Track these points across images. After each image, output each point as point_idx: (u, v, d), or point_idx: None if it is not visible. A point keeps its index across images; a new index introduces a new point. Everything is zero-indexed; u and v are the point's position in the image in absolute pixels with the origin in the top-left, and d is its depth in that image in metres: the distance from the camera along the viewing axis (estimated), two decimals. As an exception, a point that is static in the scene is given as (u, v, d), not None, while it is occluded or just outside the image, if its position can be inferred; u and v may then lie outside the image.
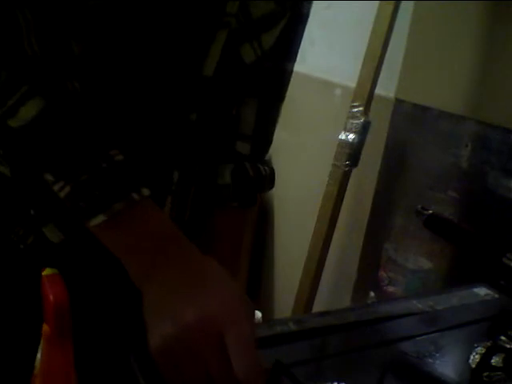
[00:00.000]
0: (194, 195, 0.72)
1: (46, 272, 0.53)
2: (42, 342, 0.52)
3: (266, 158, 0.79)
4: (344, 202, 1.39)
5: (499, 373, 0.66)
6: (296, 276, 1.46)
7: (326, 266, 1.43)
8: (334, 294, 1.54)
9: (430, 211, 1.18)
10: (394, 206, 1.34)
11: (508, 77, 1.09)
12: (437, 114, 1.23)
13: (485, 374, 0.66)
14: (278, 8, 0.65)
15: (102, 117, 0.55)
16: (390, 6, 1.28)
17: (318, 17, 1.28)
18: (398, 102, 1.32)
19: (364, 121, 1.32)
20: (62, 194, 0.51)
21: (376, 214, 1.40)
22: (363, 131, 1.33)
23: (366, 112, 1.33)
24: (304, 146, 1.65)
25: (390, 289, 1.33)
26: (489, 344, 0.71)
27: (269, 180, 0.79)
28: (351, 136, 1.33)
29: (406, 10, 1.28)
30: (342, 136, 1.35)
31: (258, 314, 1.57)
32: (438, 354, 0.68)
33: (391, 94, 1.34)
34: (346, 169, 1.35)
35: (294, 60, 0.76)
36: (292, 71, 0.77)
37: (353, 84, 1.36)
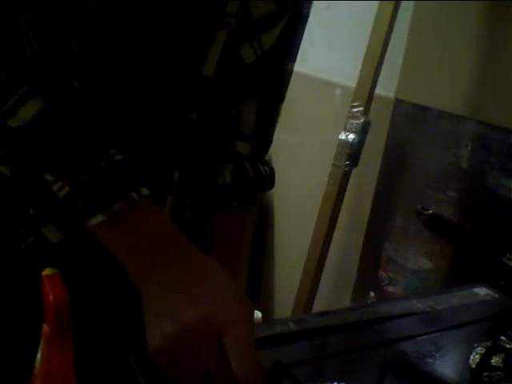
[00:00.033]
0: (194, 195, 0.72)
1: (46, 272, 0.53)
2: (42, 342, 0.52)
3: (266, 157, 0.79)
4: (344, 202, 1.39)
5: (499, 373, 0.66)
6: (296, 276, 1.46)
7: (326, 266, 1.43)
8: (333, 294, 1.54)
9: (430, 211, 1.18)
10: (393, 206, 1.34)
11: (508, 77, 1.09)
12: (437, 114, 1.23)
13: (485, 373, 0.66)
14: (277, 8, 0.65)
15: (101, 117, 0.55)
16: (390, 6, 1.28)
17: (318, 17, 1.28)
18: (398, 102, 1.32)
19: (364, 121, 1.32)
20: (61, 194, 0.51)
21: (376, 214, 1.40)
22: (363, 131, 1.33)
23: (366, 112, 1.33)
24: (304, 146, 1.65)
25: (390, 289, 1.33)
26: (489, 344, 0.71)
27: (269, 180, 0.79)
28: (351, 136, 1.33)
29: (406, 10, 1.28)
30: (342, 136, 1.35)
31: (258, 313, 1.57)
32: (438, 354, 0.68)
33: (391, 94, 1.34)
34: (346, 169, 1.35)
35: (294, 60, 0.76)
36: (292, 71, 0.77)
37: (353, 84, 1.36)
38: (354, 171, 1.37)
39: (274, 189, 0.81)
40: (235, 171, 0.75)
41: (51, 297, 0.50)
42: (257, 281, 1.84)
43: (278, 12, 0.65)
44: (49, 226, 0.61)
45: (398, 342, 0.70)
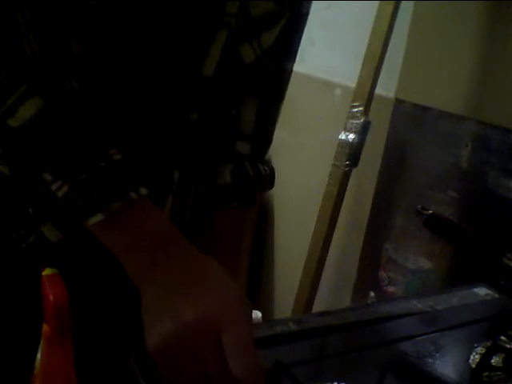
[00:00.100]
0: (194, 195, 0.72)
1: (46, 272, 0.53)
2: (42, 342, 0.52)
3: (266, 157, 0.79)
4: (344, 202, 1.39)
5: (499, 373, 0.66)
6: (296, 276, 1.46)
7: (326, 266, 1.43)
8: (333, 293, 1.54)
9: (430, 211, 1.18)
10: (394, 206, 1.34)
11: (508, 77, 1.09)
12: (437, 114, 1.23)
13: (485, 373, 0.66)
14: (277, 8, 0.65)
15: (100, 116, 0.55)
16: (390, 6, 1.28)
17: (318, 17, 1.28)
18: (398, 101, 1.32)
19: (364, 121, 1.32)
20: (60, 194, 0.51)
21: (376, 214, 1.40)
22: (363, 131, 1.33)
23: (366, 112, 1.33)
24: (304, 146, 1.65)
25: (390, 289, 1.33)
26: (489, 344, 0.71)
27: (269, 180, 0.79)
28: (351, 136, 1.33)
29: (406, 10, 1.28)
30: (342, 136, 1.35)
31: (258, 313, 1.57)
32: (438, 354, 0.68)
33: (391, 94, 1.34)
34: (346, 169, 1.35)
35: (294, 60, 0.76)
36: (292, 71, 0.77)
37: (353, 84, 1.36)
38: (354, 171, 1.37)
39: (273, 189, 0.81)
40: (235, 171, 0.75)
41: (51, 297, 0.50)
42: (257, 281, 1.84)
43: (277, 12, 0.65)
44: (48, 226, 0.61)
45: (397, 342, 0.70)
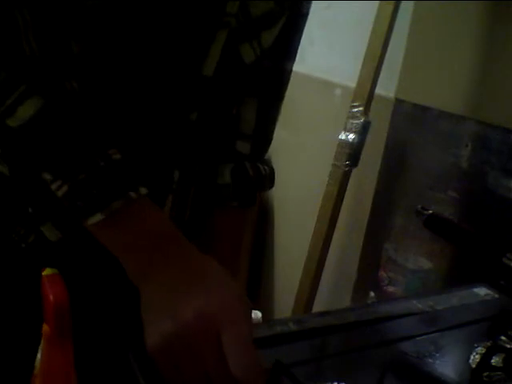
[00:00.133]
0: (194, 195, 0.72)
1: (46, 272, 0.53)
2: (42, 342, 0.52)
3: (266, 157, 0.79)
4: (344, 202, 1.39)
5: (499, 373, 0.66)
6: (296, 276, 1.46)
7: (326, 266, 1.43)
8: (333, 293, 1.54)
9: (430, 211, 1.18)
10: (394, 206, 1.34)
11: (508, 77, 1.09)
12: (437, 114, 1.23)
13: (485, 373, 0.66)
14: (277, 8, 0.65)
15: (100, 116, 0.55)
16: (390, 6, 1.28)
17: (318, 17, 1.28)
18: (398, 101, 1.32)
19: (364, 121, 1.32)
20: (59, 193, 0.51)
21: (376, 214, 1.40)
22: (363, 131, 1.33)
23: (366, 112, 1.33)
24: (304, 145, 1.65)
25: (390, 289, 1.33)
26: (489, 344, 0.71)
27: (269, 179, 0.79)
28: (351, 136, 1.33)
29: (406, 10, 1.28)
30: (342, 136, 1.35)
31: (258, 314, 1.57)
32: (438, 354, 0.68)
33: (391, 94, 1.34)
34: (346, 169, 1.35)
35: (294, 59, 0.76)
36: (291, 70, 0.77)
37: (353, 84, 1.36)
38: (354, 171, 1.37)
39: (273, 189, 0.81)
40: (235, 171, 0.75)
41: (51, 297, 0.50)
42: (257, 281, 1.84)
43: (277, 11, 0.65)
44: (48, 225, 0.61)
45: (397, 342, 0.70)
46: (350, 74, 1.39)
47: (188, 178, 0.69)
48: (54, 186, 0.51)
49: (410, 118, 1.30)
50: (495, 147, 1.11)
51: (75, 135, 0.52)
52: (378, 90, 1.33)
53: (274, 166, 0.80)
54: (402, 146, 1.32)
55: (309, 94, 1.58)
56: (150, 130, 0.63)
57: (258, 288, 1.84)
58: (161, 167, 0.65)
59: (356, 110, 1.33)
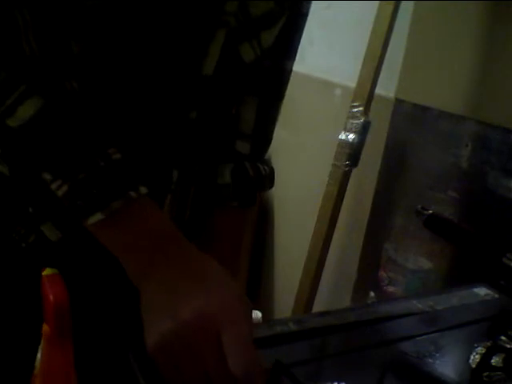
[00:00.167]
0: (193, 195, 0.72)
1: (46, 272, 0.53)
2: (42, 342, 0.52)
3: (266, 157, 0.79)
4: (344, 202, 1.39)
5: (499, 373, 0.66)
6: (296, 276, 1.46)
7: (326, 266, 1.43)
8: (333, 294, 1.54)
9: (430, 211, 1.18)
10: (394, 206, 1.34)
11: (508, 77, 1.09)
12: (437, 114, 1.23)
13: (485, 373, 0.66)
14: (276, 7, 0.65)
15: (100, 116, 0.55)
16: (390, 6, 1.28)
17: (318, 17, 1.28)
18: (398, 101, 1.32)
19: (364, 121, 1.32)
20: (59, 193, 0.51)
21: (376, 214, 1.40)
22: (363, 131, 1.33)
23: (366, 112, 1.33)
24: (304, 145, 1.65)
25: (390, 289, 1.33)
26: (489, 344, 0.71)
27: (268, 179, 0.79)
28: (351, 136, 1.33)
29: (406, 10, 1.28)
30: (342, 136, 1.35)
31: (258, 314, 1.57)
32: (438, 354, 0.68)
33: (391, 94, 1.34)
34: (346, 169, 1.35)
35: (294, 59, 0.76)
36: (291, 70, 0.77)
37: (353, 84, 1.36)
38: (354, 171, 1.37)
39: (273, 189, 0.81)
40: (235, 171, 0.75)
41: (51, 297, 0.50)
42: (257, 281, 1.84)
43: (277, 11, 0.65)
44: (48, 225, 0.61)
45: (397, 342, 0.70)
46: (350, 74, 1.39)
47: (187, 178, 0.69)
48: (54, 186, 0.51)
49: (410, 117, 1.30)
50: (495, 147, 1.11)
51: (75, 135, 0.52)
52: (378, 90, 1.33)
53: (274, 166, 0.79)
54: (402, 146, 1.32)
55: (309, 94, 1.58)
56: (150, 129, 0.63)
57: (258, 288, 1.84)
58: (159, 167, 0.65)
59: (356, 109, 1.33)
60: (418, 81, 1.28)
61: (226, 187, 0.75)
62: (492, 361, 0.68)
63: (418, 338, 0.71)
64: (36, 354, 0.53)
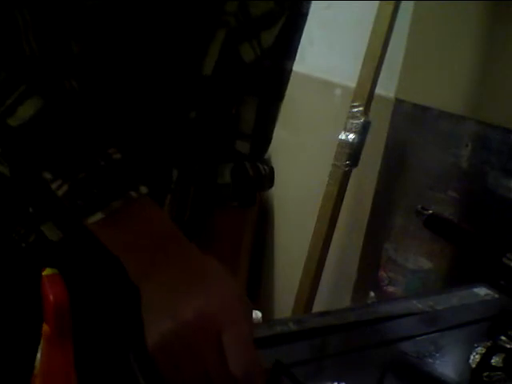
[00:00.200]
0: (193, 195, 0.72)
1: (46, 272, 0.53)
2: (42, 342, 0.52)
3: (266, 157, 0.79)
4: (344, 202, 1.39)
5: (499, 373, 0.66)
6: (296, 276, 1.46)
7: (326, 266, 1.43)
8: (333, 293, 1.54)
9: (430, 211, 1.18)
10: (394, 206, 1.34)
11: (508, 77, 1.09)
12: (437, 114, 1.23)
13: (485, 373, 0.66)
14: (276, 7, 0.65)
15: (100, 115, 0.55)
16: (390, 6, 1.28)
17: (318, 17, 1.28)
18: (398, 101, 1.32)
19: (364, 121, 1.32)
20: (59, 193, 0.51)
21: (376, 213, 1.40)
22: (363, 131, 1.33)
23: (366, 112, 1.33)
24: (304, 145, 1.65)
25: (390, 289, 1.33)
26: (489, 344, 0.71)
27: (268, 179, 0.79)
28: (351, 136, 1.33)
29: (406, 10, 1.28)
30: (342, 136, 1.35)
31: (258, 314, 1.57)
32: (438, 354, 0.68)
33: (391, 94, 1.34)
34: (346, 169, 1.35)
35: (294, 59, 0.76)
36: (291, 70, 0.77)
37: (353, 84, 1.36)
38: (354, 171, 1.37)
39: (273, 189, 0.81)
40: (235, 171, 0.75)
41: (51, 297, 0.50)
42: (257, 281, 1.84)
43: (277, 11, 0.65)
44: (48, 225, 0.61)
45: (397, 342, 0.70)
46: (350, 74, 1.39)
47: (187, 178, 0.69)
48: (54, 186, 0.51)
49: (410, 118, 1.30)
50: (495, 147, 1.11)
51: (75, 135, 0.52)
52: (378, 90, 1.33)
53: (274, 166, 0.79)
54: (402, 146, 1.32)
55: (309, 94, 1.58)
56: (149, 129, 0.63)
57: (258, 288, 1.84)
58: (159, 166, 0.65)
59: (356, 110, 1.33)
60: (418, 81, 1.28)
61: (225, 187, 0.75)
62: (492, 361, 0.68)
63: (418, 338, 0.71)
64: (36, 354, 0.53)
